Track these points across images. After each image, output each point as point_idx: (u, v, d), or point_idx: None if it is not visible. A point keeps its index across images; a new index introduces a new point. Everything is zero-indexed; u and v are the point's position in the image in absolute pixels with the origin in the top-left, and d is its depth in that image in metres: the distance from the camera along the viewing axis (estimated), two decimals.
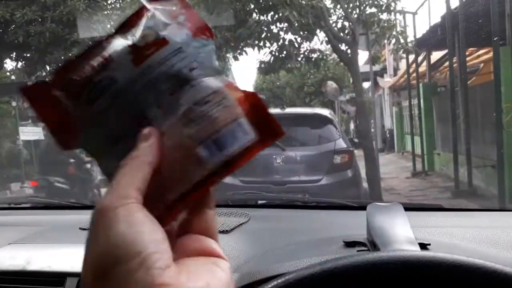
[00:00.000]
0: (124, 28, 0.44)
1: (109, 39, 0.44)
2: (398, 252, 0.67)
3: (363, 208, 1.10)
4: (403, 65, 13.82)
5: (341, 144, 5.93)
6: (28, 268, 1.10)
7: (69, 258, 1.13)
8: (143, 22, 0.44)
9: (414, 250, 0.80)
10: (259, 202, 1.57)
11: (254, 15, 8.01)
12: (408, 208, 1.35)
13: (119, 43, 0.43)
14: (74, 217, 1.67)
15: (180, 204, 0.43)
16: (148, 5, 0.45)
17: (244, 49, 8.24)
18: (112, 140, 0.44)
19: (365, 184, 6.92)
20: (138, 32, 0.43)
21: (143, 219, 0.39)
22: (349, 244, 1.00)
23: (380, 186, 7.91)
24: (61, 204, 1.93)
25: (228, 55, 9.26)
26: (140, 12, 0.45)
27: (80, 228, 1.35)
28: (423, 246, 0.91)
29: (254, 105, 0.45)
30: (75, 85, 0.43)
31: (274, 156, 5.62)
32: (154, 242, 0.38)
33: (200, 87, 0.43)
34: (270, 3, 7.57)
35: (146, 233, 0.38)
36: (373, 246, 0.90)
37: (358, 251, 0.96)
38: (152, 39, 0.43)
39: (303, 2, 7.51)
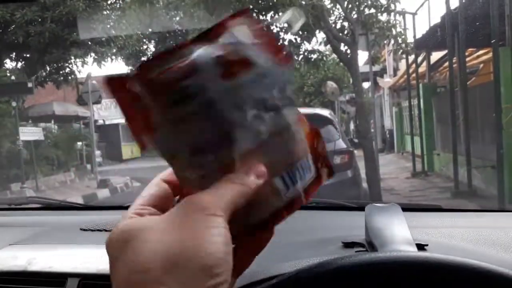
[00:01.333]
0: (207, 36, 0.42)
1: (196, 43, 0.41)
2: (395, 252, 0.68)
3: (362, 209, 1.11)
4: (402, 65, 13.82)
5: (341, 144, 5.93)
6: (29, 269, 1.10)
7: (70, 258, 1.13)
8: (228, 35, 0.42)
9: (411, 251, 0.81)
10: None
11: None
12: (407, 208, 1.35)
13: (206, 51, 0.41)
14: (75, 217, 1.68)
15: (259, 230, 0.45)
16: (231, 20, 0.43)
17: None
18: (191, 149, 0.42)
19: (365, 185, 6.93)
20: (222, 45, 0.41)
21: (230, 240, 0.40)
22: (348, 245, 1.00)
23: (380, 186, 7.92)
24: (61, 205, 1.93)
25: None
26: (224, 24, 0.42)
27: (81, 229, 1.35)
28: (421, 247, 0.92)
29: (317, 141, 0.47)
30: (159, 83, 0.41)
31: None
32: (230, 270, 0.40)
33: (279, 118, 0.43)
34: (270, 3, 7.58)
35: (231, 256, 0.40)
36: (371, 247, 0.91)
37: (356, 251, 0.96)
38: (239, 58, 0.41)
39: (303, 2, 7.51)
